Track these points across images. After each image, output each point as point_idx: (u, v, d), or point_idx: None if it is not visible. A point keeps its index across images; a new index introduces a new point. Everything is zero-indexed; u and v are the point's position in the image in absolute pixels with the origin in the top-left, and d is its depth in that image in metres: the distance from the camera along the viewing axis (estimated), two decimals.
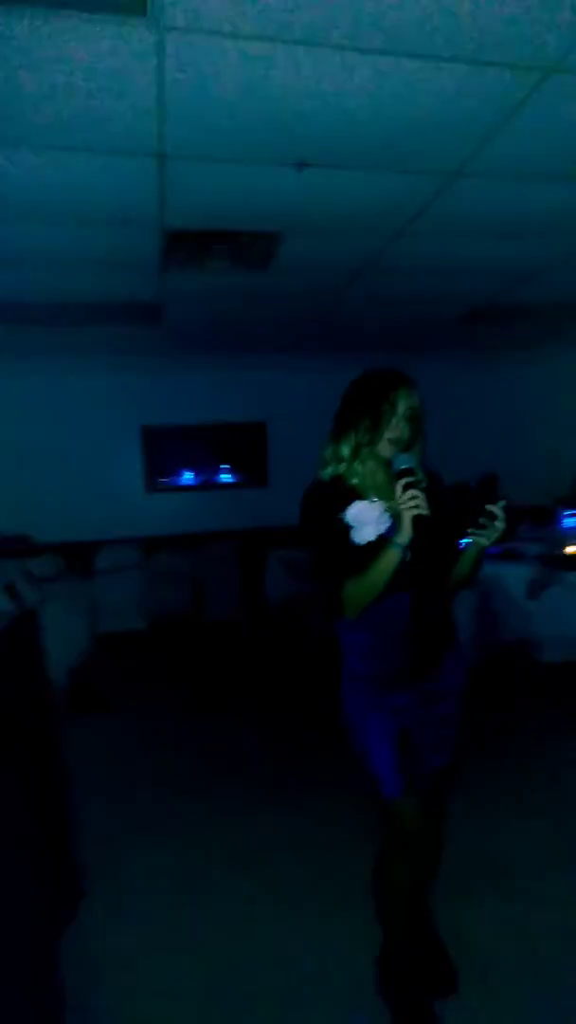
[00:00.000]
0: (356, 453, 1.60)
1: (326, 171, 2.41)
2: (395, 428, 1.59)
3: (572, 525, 4.95)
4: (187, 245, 3.18)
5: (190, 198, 2.65)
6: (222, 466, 6.93)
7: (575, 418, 7.25)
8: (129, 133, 2.08)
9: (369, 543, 1.54)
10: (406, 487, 1.48)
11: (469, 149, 2.26)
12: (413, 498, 1.47)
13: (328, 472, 1.64)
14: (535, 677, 3.88)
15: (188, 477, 6.85)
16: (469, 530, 1.61)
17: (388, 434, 1.58)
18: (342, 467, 1.61)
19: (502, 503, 1.60)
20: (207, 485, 6.89)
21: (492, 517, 1.58)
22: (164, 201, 2.67)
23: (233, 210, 2.82)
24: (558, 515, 5.19)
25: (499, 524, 1.58)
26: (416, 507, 1.47)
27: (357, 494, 1.59)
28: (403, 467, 1.53)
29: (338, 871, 2.31)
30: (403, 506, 1.48)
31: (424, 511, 1.47)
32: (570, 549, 4.00)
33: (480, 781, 2.86)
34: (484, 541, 1.61)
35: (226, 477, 6.96)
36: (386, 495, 1.60)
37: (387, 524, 1.56)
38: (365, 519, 1.55)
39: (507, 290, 4.33)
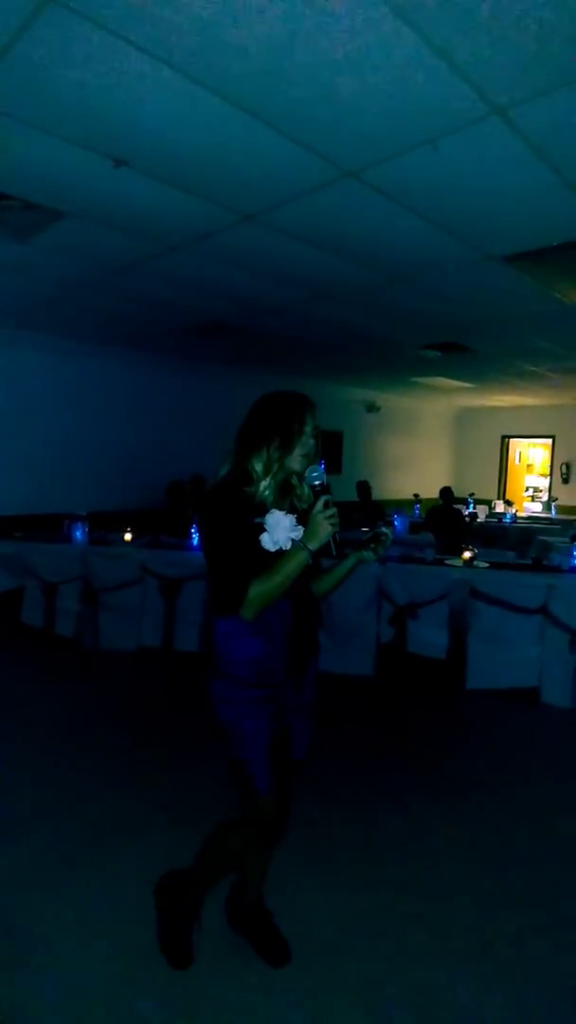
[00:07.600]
0: (268, 469, 1.67)
1: None
2: (305, 444, 1.70)
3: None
4: None
5: None
6: None
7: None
8: None
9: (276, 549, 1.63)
10: (327, 504, 1.61)
11: None
12: (333, 515, 1.61)
13: (238, 481, 1.68)
14: None
15: None
16: (370, 546, 1.76)
17: (299, 450, 1.69)
18: (257, 482, 1.67)
19: (392, 528, 1.80)
20: None
21: (384, 537, 1.77)
22: None
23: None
24: None
25: (387, 542, 1.78)
26: (334, 523, 1.61)
27: (266, 503, 1.67)
28: (319, 482, 1.67)
29: None
30: (324, 519, 1.60)
31: (337, 528, 1.62)
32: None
33: None
34: (371, 556, 1.77)
35: None
36: (289, 503, 1.73)
37: (299, 533, 1.64)
38: (282, 528, 1.64)
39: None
